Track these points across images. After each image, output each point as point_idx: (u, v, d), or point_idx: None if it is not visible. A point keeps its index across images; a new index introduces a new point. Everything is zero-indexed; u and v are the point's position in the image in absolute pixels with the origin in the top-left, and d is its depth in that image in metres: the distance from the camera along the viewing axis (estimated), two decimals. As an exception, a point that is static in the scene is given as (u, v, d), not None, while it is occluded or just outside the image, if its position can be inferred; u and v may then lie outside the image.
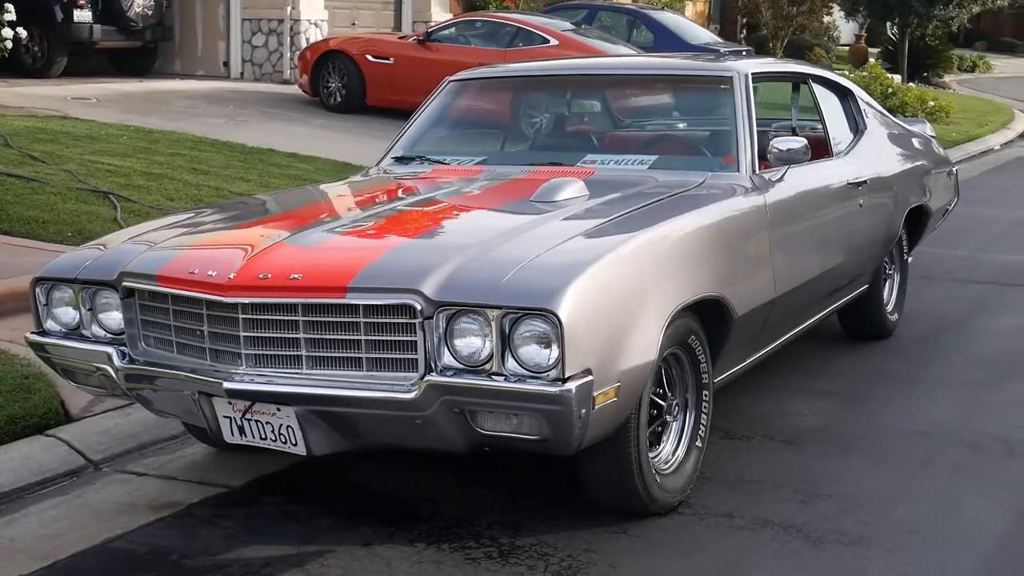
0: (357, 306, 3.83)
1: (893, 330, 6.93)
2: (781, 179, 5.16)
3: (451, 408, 3.76)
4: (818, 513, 4.42)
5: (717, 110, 5.41)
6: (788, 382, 5.93)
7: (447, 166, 5.48)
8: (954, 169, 7.79)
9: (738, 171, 5.05)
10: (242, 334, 3.95)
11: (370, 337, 3.84)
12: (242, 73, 18.45)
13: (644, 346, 3.97)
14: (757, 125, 5.27)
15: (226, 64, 18.62)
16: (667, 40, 17.00)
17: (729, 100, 5.31)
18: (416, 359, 3.80)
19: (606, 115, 5.99)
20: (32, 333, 4.57)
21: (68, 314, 4.47)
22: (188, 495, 4.67)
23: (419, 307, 3.75)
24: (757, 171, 5.09)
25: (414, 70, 14.98)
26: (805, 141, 5.18)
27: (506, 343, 3.70)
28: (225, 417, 4.07)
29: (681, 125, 5.80)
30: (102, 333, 4.40)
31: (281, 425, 3.97)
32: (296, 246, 4.11)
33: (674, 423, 4.43)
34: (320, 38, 17.65)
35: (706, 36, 17.86)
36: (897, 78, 22.50)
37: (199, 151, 11.49)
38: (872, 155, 6.36)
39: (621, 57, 6.35)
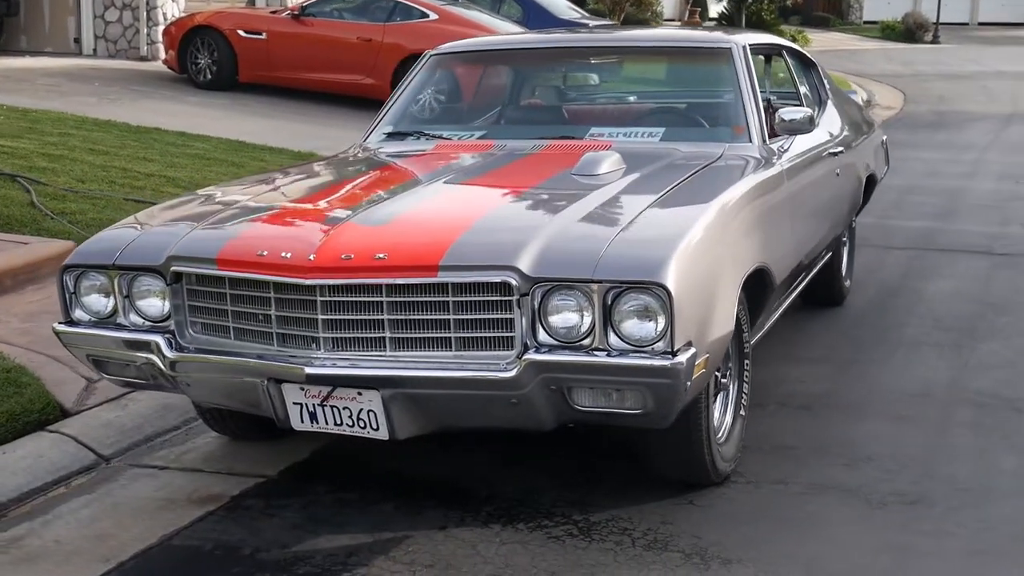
0: (446, 284, 3.73)
1: (846, 296, 7.11)
2: (788, 149, 5.23)
3: (548, 386, 3.70)
4: (867, 476, 4.51)
5: (719, 81, 5.44)
6: (773, 351, 6.02)
7: (451, 141, 5.37)
8: (884, 138, 8.02)
9: (750, 142, 5.09)
10: (320, 317, 3.81)
11: (460, 316, 3.74)
12: (95, 50, 17.74)
13: (725, 316, 3.99)
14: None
15: (77, 40, 17.87)
16: (537, 15, 17.01)
17: (731, 72, 5.35)
18: (510, 337, 3.73)
19: (605, 88, 5.96)
20: (60, 324, 4.30)
21: (99, 302, 4.24)
22: (225, 487, 4.50)
23: (515, 283, 3.67)
24: (767, 141, 5.14)
25: (289, 46, 14.71)
26: (810, 111, 5.26)
27: (608, 317, 3.65)
28: (295, 404, 3.92)
29: (683, 97, 5.82)
30: (140, 321, 4.19)
31: (361, 410, 3.84)
32: (367, 225, 3.97)
33: (723, 392, 4.46)
34: (177, 14, 17.11)
35: (571, 11, 17.93)
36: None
37: (87, 131, 11.06)
38: (837, 125, 6.50)
39: (611, 31, 6.31)
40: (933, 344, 6.28)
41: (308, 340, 3.87)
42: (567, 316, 3.70)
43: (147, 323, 4.18)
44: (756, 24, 29.70)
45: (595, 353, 3.67)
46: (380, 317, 3.79)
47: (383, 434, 3.86)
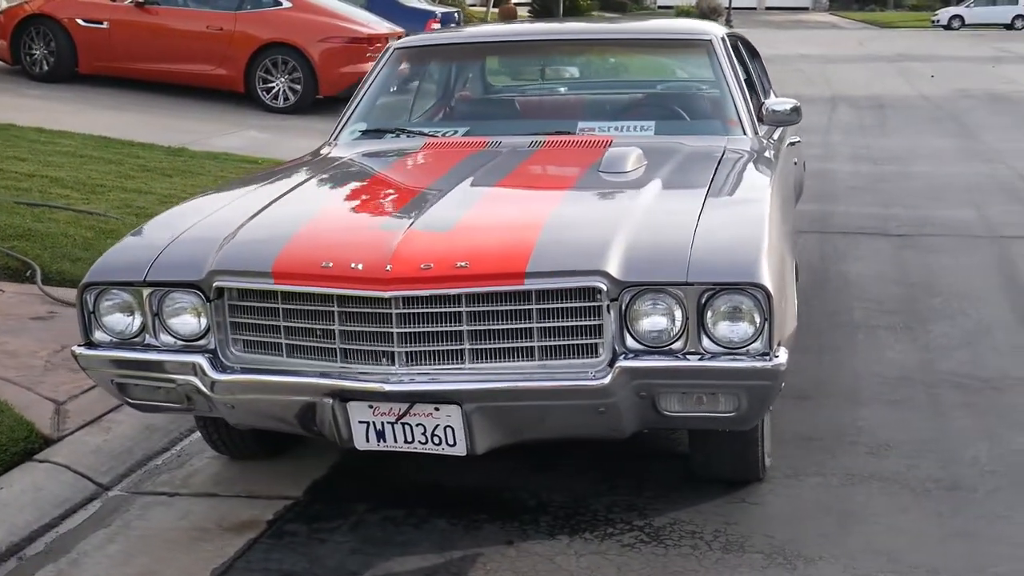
0: (530, 292, 3.59)
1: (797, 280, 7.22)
2: (777, 140, 5.26)
3: (638, 393, 3.61)
4: (896, 463, 4.57)
5: (704, 73, 5.43)
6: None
7: (438, 139, 5.19)
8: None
9: (745, 134, 5.10)
10: (396, 331, 3.61)
11: (545, 324, 3.61)
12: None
13: (793, 312, 3.98)
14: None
15: None
16: (380, 1, 16.77)
17: (715, 62, 5.34)
18: (597, 344, 3.62)
19: (586, 81, 5.86)
20: (81, 347, 3.98)
21: (122, 321, 3.95)
22: (254, 511, 4.26)
23: (605, 288, 3.56)
24: (758, 133, 5.16)
25: (133, 35, 14.13)
26: (796, 102, 5.30)
27: (700, 320, 3.58)
28: (361, 422, 3.73)
29: (668, 89, 5.77)
30: (172, 341, 3.91)
31: (437, 426, 3.68)
32: (433, 231, 3.79)
33: None
34: (6, 3, 16.17)
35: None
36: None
37: (-65, 128, 10.35)
38: (782, 114, 6.57)
39: (584, 23, 6.19)
40: (886, 327, 6.42)
41: (378, 355, 3.67)
42: (656, 320, 3.61)
43: (179, 343, 3.90)
44: (572, 11, 29.99)
45: (688, 357, 3.59)
46: (460, 328, 3.62)
47: (460, 450, 3.70)
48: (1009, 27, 52.67)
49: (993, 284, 7.36)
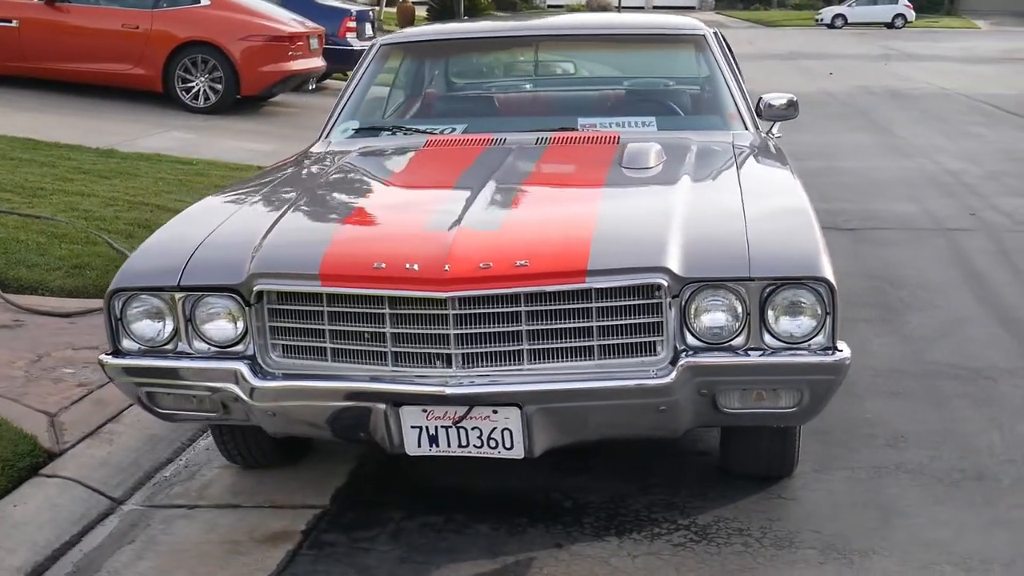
0: (589, 290, 3.53)
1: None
2: (774, 134, 5.28)
3: (699, 390, 3.57)
4: (917, 455, 4.60)
5: (700, 68, 5.42)
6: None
7: (440, 135, 5.09)
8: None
9: (747, 129, 5.10)
10: (453, 332, 3.52)
11: (605, 322, 3.55)
12: None
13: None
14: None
15: None
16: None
17: (710, 58, 5.34)
18: (655, 341, 3.57)
19: (579, 76, 5.80)
20: (108, 355, 3.81)
21: (152, 328, 3.79)
22: (284, 522, 4.13)
23: (667, 285, 3.51)
24: (759, 128, 5.16)
25: (45, 34, 13.66)
26: (793, 96, 5.32)
27: (762, 315, 3.55)
28: (414, 427, 3.62)
29: (664, 85, 5.73)
30: (205, 347, 3.76)
31: (494, 429, 3.59)
32: (482, 230, 3.70)
33: None
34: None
35: (328, -3, 17.51)
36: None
37: None
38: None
39: (573, 16, 6.09)
40: (864, 320, 6.48)
41: (432, 357, 3.57)
42: (716, 316, 3.57)
43: (212, 349, 3.75)
44: (468, 8, 29.94)
45: (750, 353, 3.56)
46: (518, 328, 3.54)
47: (518, 453, 3.62)
48: (890, 26, 54.09)
49: (952, 276, 7.49)
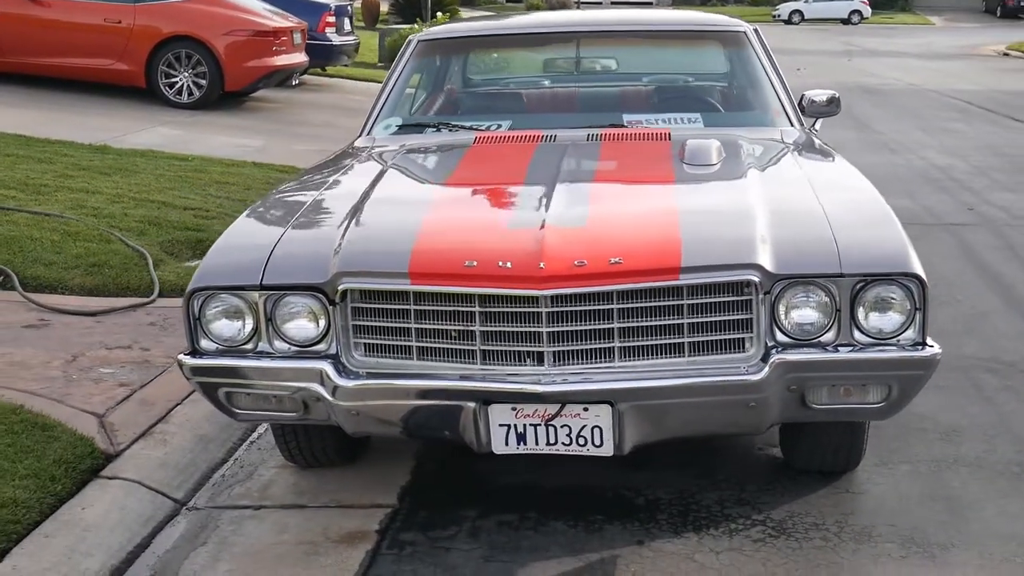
0: (682, 287, 3.52)
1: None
2: (816, 130, 5.30)
3: (789, 386, 3.58)
4: (972, 448, 4.64)
5: (742, 65, 5.41)
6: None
7: (488, 132, 5.06)
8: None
9: (792, 125, 5.11)
10: (545, 330, 3.50)
11: (696, 319, 3.55)
12: None
13: None
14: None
15: None
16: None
17: (752, 55, 5.35)
18: (745, 338, 3.58)
19: (619, 72, 5.78)
20: (186, 355, 3.76)
21: (230, 328, 3.74)
22: (356, 522, 4.10)
23: (758, 281, 3.52)
24: (803, 124, 5.18)
25: (24, 28, 13.44)
26: (835, 93, 5.34)
27: (852, 311, 3.56)
28: (502, 425, 3.60)
29: (706, 81, 5.73)
30: (285, 347, 3.72)
31: (584, 426, 3.58)
32: (569, 227, 3.68)
33: None
34: None
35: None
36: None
37: None
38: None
39: (602, 10, 6.04)
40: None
41: (523, 355, 3.55)
42: (806, 312, 3.58)
43: (292, 348, 3.72)
44: (438, 5, 29.83)
45: (840, 349, 3.57)
46: (610, 326, 3.53)
47: (607, 450, 3.60)
48: (846, 22, 54.53)
49: (964, 270, 7.57)
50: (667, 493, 4.24)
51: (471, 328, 3.56)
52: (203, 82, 13.44)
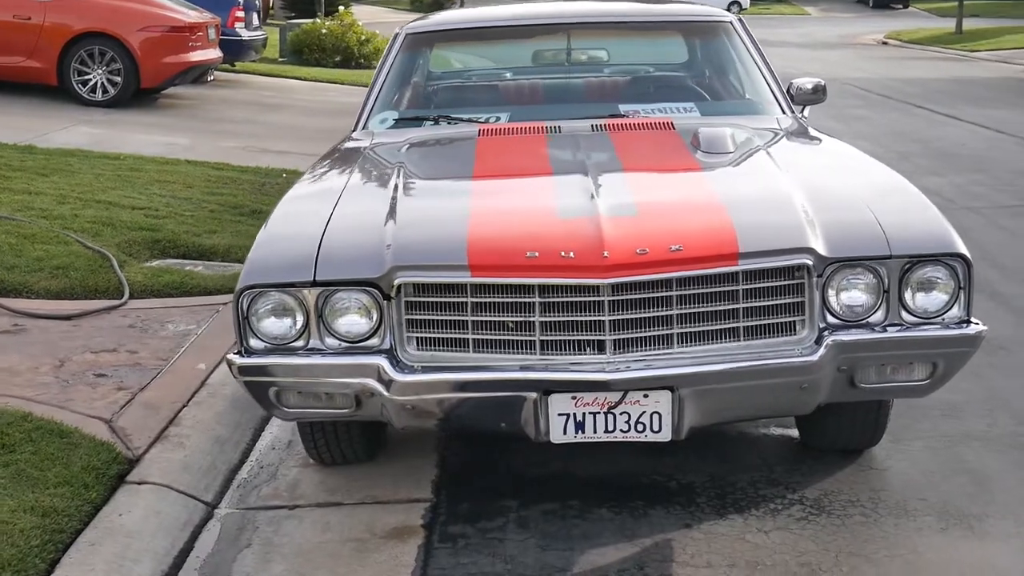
0: (738, 273, 3.58)
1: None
2: (805, 116, 5.41)
3: (839, 367, 3.66)
4: (975, 423, 4.78)
5: (731, 54, 5.49)
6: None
7: (489, 124, 5.06)
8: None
9: (785, 113, 5.21)
10: (608, 318, 3.53)
11: (751, 304, 3.61)
12: None
13: None
14: None
15: None
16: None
17: (738, 43, 5.44)
18: (796, 321, 3.65)
19: (612, 63, 5.81)
20: (237, 355, 3.70)
21: (278, 325, 3.70)
22: (398, 516, 4.09)
23: (811, 265, 3.59)
24: (795, 112, 5.29)
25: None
26: (821, 81, 5.46)
27: (899, 292, 3.66)
28: (561, 415, 3.62)
29: (696, 71, 5.78)
30: (336, 343, 3.69)
31: (643, 413, 3.61)
32: (622, 216, 3.71)
33: None
34: None
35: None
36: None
37: None
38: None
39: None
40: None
41: (582, 344, 3.57)
42: (854, 294, 3.67)
43: (343, 344, 3.68)
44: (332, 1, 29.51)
45: (888, 329, 3.67)
46: (670, 312, 3.57)
47: (665, 436, 3.65)
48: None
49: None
50: (699, 477, 4.30)
51: (530, 319, 3.57)
52: (118, 79, 13.14)
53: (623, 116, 5.08)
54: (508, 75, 5.78)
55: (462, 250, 3.60)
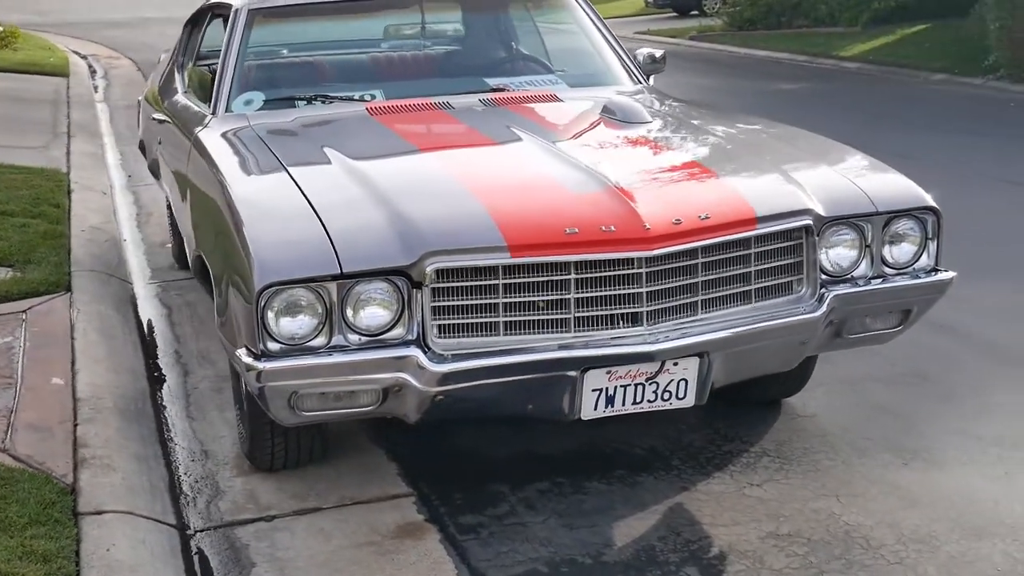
0: (750, 237, 3.70)
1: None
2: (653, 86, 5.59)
3: (831, 321, 3.86)
4: (878, 367, 5.04)
5: (577, 26, 5.52)
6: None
7: (372, 102, 4.85)
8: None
9: (642, 82, 5.37)
10: (645, 290, 3.54)
11: (762, 266, 3.74)
12: None
13: None
14: None
15: None
16: None
17: (581, 15, 5.51)
18: (793, 280, 3.81)
19: (469, 37, 5.67)
20: (257, 360, 3.40)
21: (294, 324, 3.43)
22: (397, 513, 3.94)
23: (811, 225, 3.77)
24: (649, 80, 5.45)
25: None
26: (663, 51, 5.67)
27: (879, 247, 3.91)
28: (595, 390, 3.60)
29: (543, 43, 5.72)
30: (356, 339, 3.48)
31: (671, 381, 3.65)
32: (639, 187, 3.72)
33: None
34: None
35: None
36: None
37: None
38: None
39: None
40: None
41: (615, 319, 3.56)
42: (841, 251, 3.88)
43: (364, 339, 3.48)
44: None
45: (873, 282, 3.91)
46: (695, 280, 3.63)
47: (688, 402, 3.70)
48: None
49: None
50: (656, 442, 4.39)
51: (566, 296, 3.51)
52: None
53: (501, 90, 5.02)
54: (365, 50, 5.55)
55: (494, 229, 3.48)
